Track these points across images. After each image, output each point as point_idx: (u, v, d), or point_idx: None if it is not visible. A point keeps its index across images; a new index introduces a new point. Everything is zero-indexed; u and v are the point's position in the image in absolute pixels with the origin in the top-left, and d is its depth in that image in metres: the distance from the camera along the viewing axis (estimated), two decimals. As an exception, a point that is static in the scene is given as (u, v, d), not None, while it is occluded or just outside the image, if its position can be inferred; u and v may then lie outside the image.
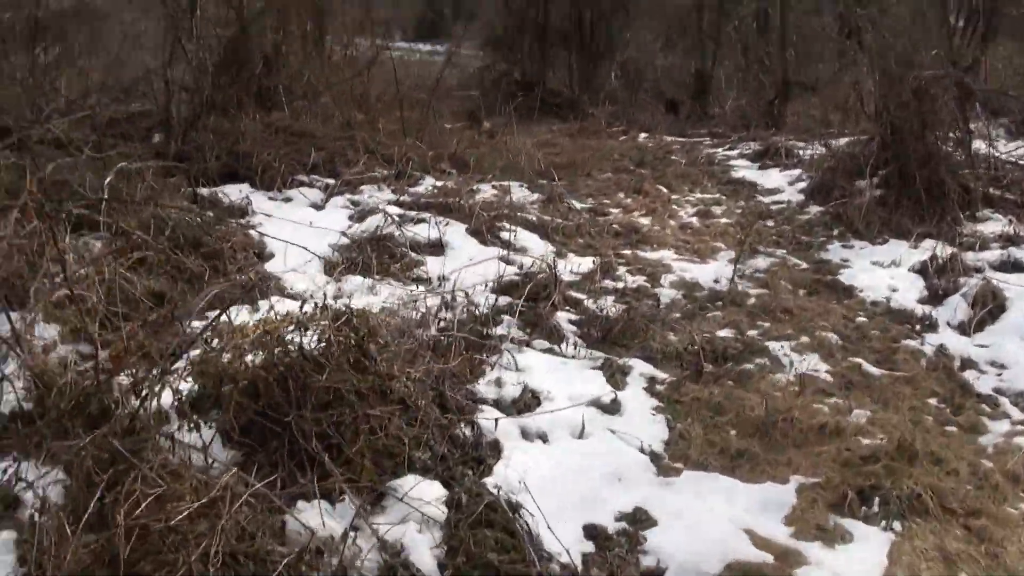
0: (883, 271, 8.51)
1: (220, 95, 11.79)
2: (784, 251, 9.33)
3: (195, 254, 7.51)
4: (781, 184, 11.86)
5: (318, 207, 9.90)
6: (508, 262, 8.21)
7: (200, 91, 11.50)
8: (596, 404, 5.63)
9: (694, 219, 10.47)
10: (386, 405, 4.70)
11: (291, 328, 4.62)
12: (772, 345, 6.78)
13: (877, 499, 4.64)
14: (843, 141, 11.82)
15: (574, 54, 25.28)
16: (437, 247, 8.78)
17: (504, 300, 7.36)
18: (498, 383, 5.71)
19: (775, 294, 7.87)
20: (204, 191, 9.62)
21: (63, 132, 9.76)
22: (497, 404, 5.51)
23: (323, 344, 4.67)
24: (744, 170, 12.96)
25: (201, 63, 11.77)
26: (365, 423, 4.59)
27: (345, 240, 8.51)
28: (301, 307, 4.93)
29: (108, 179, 7.57)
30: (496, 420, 5.14)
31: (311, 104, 13.71)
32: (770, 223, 10.33)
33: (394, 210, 9.49)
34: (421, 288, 7.60)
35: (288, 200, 10.08)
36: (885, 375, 6.40)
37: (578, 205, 10.74)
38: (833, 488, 4.75)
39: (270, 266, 7.97)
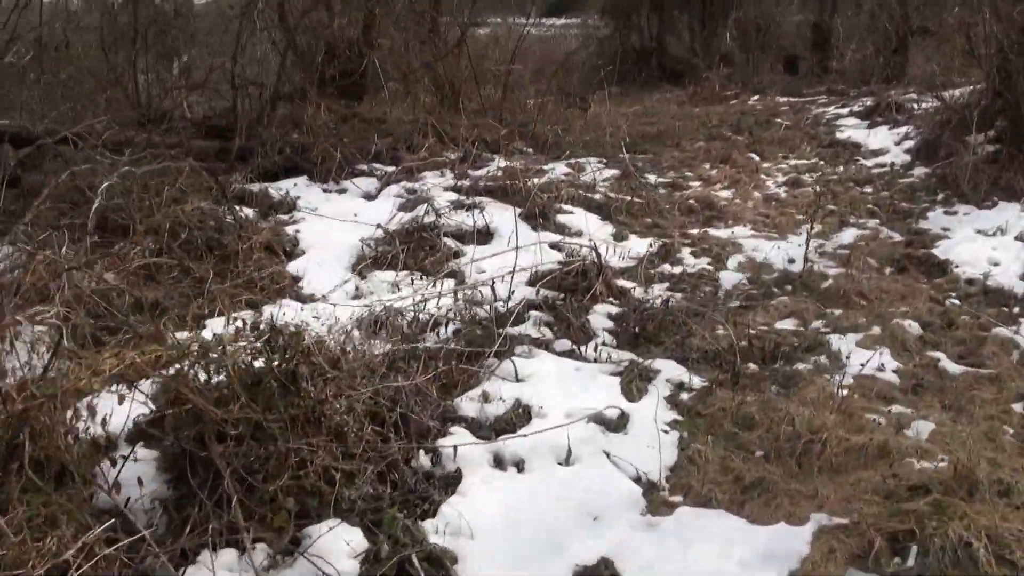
0: (986, 240, 7.28)
1: (287, 86, 11.26)
2: (878, 221, 8.17)
3: (210, 257, 6.96)
4: (887, 144, 10.57)
5: (370, 197, 9.25)
6: (559, 248, 7.37)
7: (264, 85, 11.03)
8: (599, 420, 4.74)
9: (782, 189, 9.36)
10: (319, 435, 3.96)
11: (194, 360, 3.92)
12: (835, 339, 5.73)
13: (914, 549, 3.59)
14: (959, 92, 10.42)
15: (693, 16, 24.06)
16: (485, 235, 8.00)
17: (541, 293, 6.53)
18: (485, 397, 4.88)
19: (855, 274, 6.73)
20: (255, 187, 9.09)
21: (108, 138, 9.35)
22: (476, 424, 4.68)
23: (244, 368, 3.97)
24: (851, 130, 11.69)
25: (277, 52, 11.31)
26: (294, 456, 3.87)
27: (381, 233, 7.80)
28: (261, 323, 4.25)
29: (111, 183, 7.02)
30: (455, 447, 4.31)
31: (403, 86, 13.16)
32: (868, 189, 9.14)
33: (449, 196, 8.79)
34: (448, 283, 6.83)
35: (343, 192, 9.47)
36: (966, 373, 5.28)
37: (655, 180, 9.78)
38: (860, 533, 3.72)
39: (298, 263, 7.36)
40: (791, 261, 7.22)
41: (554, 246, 7.43)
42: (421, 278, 7.02)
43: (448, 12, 25.04)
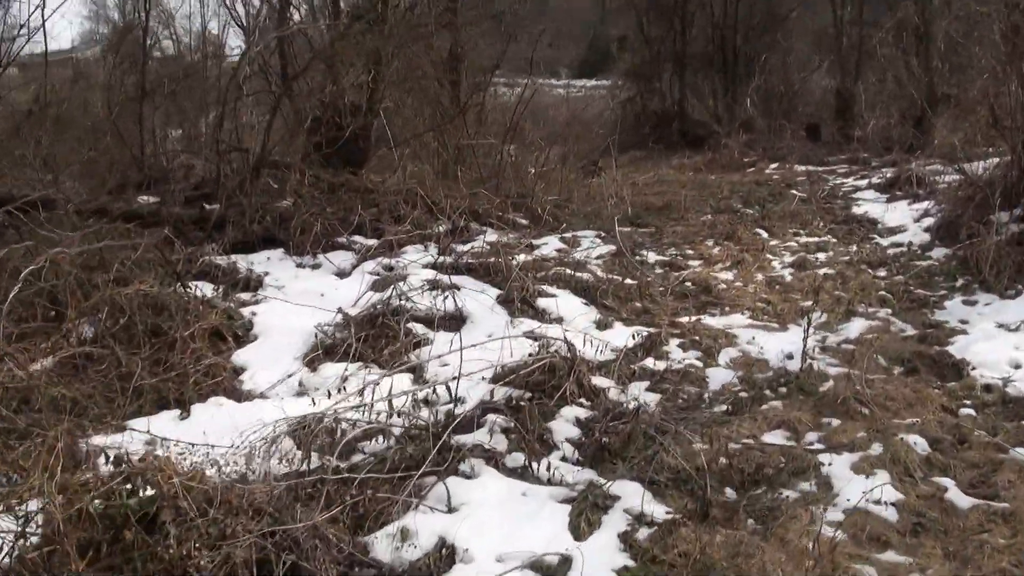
0: (1008, 337, 6.44)
1: (275, 153, 10.68)
2: (889, 311, 7.36)
3: (148, 345, 6.28)
4: (906, 221, 9.79)
5: (344, 274, 8.60)
6: (534, 337, 6.61)
7: (249, 151, 10.47)
8: (536, 567, 3.96)
9: (787, 271, 8.57)
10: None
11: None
12: (828, 459, 4.92)
13: None
14: (984, 165, 9.63)
15: (715, 81, 23.42)
16: (457, 320, 7.29)
17: (504, 392, 5.78)
18: (403, 535, 4.11)
19: (859, 375, 5.90)
20: (223, 260, 8.46)
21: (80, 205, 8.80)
22: (388, 571, 3.91)
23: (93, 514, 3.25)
24: (868, 204, 10.91)
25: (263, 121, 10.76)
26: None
27: (340, 317, 7.10)
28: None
29: (40, 266, 6.37)
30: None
31: (410, 152, 12.59)
32: (881, 272, 8.34)
33: (428, 274, 8.10)
34: (403, 379, 6.09)
35: (317, 267, 8.86)
36: (976, 508, 4.43)
37: (652, 258, 9.03)
38: None
39: (247, 352, 6.67)
40: (789, 357, 6.41)
41: (529, 335, 6.69)
42: (373, 371, 6.30)
43: (471, 73, 24.59)
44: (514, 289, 7.56)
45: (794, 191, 12.20)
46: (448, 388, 5.66)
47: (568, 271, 8.21)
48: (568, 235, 9.79)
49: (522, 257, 8.52)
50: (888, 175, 11.97)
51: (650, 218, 10.65)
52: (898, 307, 7.41)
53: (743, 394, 5.93)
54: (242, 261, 8.54)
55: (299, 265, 8.87)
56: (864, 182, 12.36)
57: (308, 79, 12.16)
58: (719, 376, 6.26)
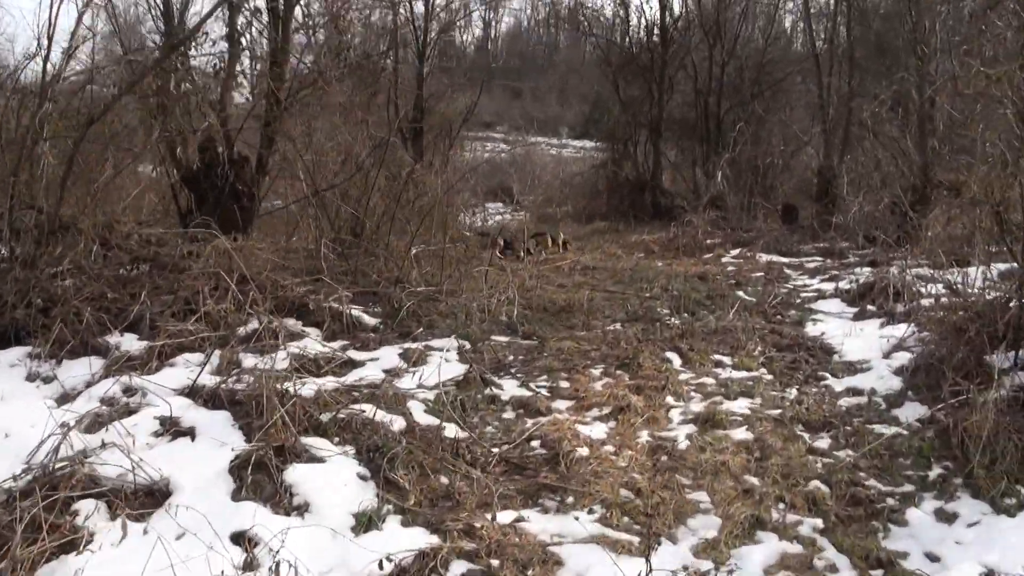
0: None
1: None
2: (819, 524, 4.49)
3: None
4: (872, 354, 6.92)
5: (67, 398, 5.83)
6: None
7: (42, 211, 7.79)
8: None
9: (687, 428, 5.68)
10: None
11: None
12: None
13: None
14: (984, 275, 6.83)
15: (695, 150, 20.68)
16: (156, 497, 4.51)
17: None
18: None
19: None
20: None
21: None
22: None
23: None
24: (829, 321, 8.07)
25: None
26: None
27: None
28: None
29: None
30: None
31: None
32: (821, 443, 5.47)
33: (182, 402, 5.36)
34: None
35: (49, 381, 6.10)
36: None
37: (510, 391, 6.21)
38: None
39: None
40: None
41: (238, 538, 3.92)
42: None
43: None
44: (274, 441, 4.77)
45: (742, 292, 9.39)
46: None
47: (366, 414, 5.39)
48: (417, 345, 6.99)
49: (320, 382, 5.74)
50: (862, 279, 9.12)
51: (541, 324, 7.85)
52: (834, 517, 4.54)
53: None
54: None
55: (30, 376, 6.14)
56: (831, 285, 9.51)
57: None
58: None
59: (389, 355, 6.75)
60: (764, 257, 12.04)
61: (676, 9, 20.48)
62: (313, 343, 6.83)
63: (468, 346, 7.05)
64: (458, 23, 23.06)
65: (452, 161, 21.52)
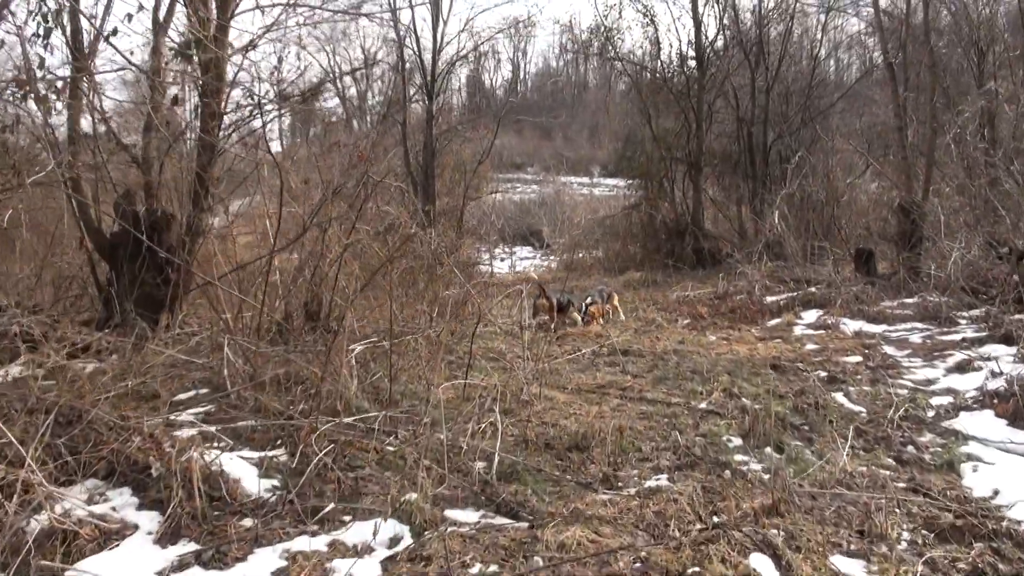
0: None
1: None
2: None
3: None
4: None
5: None
6: None
7: None
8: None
9: None
10: None
11: None
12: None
13: None
14: None
15: (741, 187, 17.56)
16: None
17: None
18: None
19: None
20: None
21: None
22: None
23: None
24: (994, 457, 4.92)
25: None
26: None
27: None
28: None
29: None
30: None
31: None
32: None
33: None
34: None
35: None
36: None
37: None
38: None
39: None
40: None
41: None
42: None
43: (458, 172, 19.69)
44: None
45: (842, 395, 6.24)
46: None
47: None
48: (318, 543, 3.95)
49: None
50: (1016, 374, 5.96)
51: (538, 480, 4.73)
52: None
53: None
54: None
55: None
56: (965, 380, 6.36)
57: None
58: None
59: (259, 573, 3.72)
60: (850, 325, 8.89)
61: (712, 29, 17.44)
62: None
63: (408, 537, 4.01)
64: (470, 57, 20.12)
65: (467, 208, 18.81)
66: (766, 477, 4.69)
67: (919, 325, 8.71)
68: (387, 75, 22.74)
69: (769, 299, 10.76)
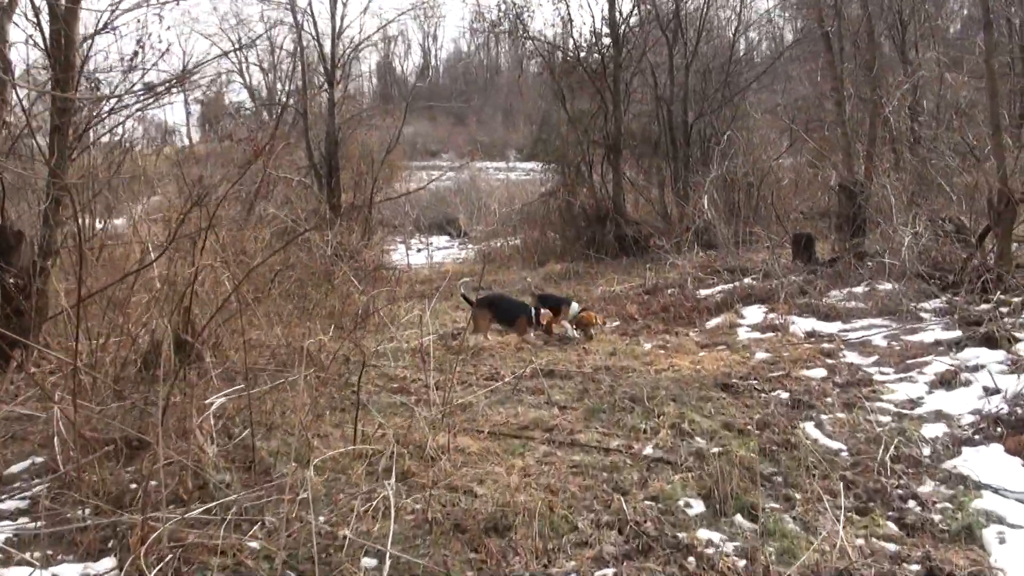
0: None
1: None
2: None
3: None
4: None
5: None
6: None
7: None
8: None
9: None
10: None
11: None
12: None
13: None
14: None
15: (663, 168, 16.43)
16: None
17: None
18: None
19: None
20: None
21: None
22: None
23: None
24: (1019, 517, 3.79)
25: None
26: None
27: None
28: None
29: None
30: None
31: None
32: None
33: None
34: None
35: None
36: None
37: None
38: None
39: None
40: None
41: None
42: None
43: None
44: None
45: (813, 426, 5.08)
46: None
47: None
48: None
49: None
50: (1013, 391, 4.87)
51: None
52: None
53: None
54: None
55: None
56: (954, 400, 5.27)
57: None
58: None
59: None
60: (801, 324, 7.79)
61: (627, 4, 16.24)
62: None
63: None
64: (377, 42, 18.63)
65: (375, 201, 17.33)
66: (741, 565, 3.48)
67: (878, 322, 7.65)
68: (290, 63, 21.08)
69: (703, 292, 9.66)
